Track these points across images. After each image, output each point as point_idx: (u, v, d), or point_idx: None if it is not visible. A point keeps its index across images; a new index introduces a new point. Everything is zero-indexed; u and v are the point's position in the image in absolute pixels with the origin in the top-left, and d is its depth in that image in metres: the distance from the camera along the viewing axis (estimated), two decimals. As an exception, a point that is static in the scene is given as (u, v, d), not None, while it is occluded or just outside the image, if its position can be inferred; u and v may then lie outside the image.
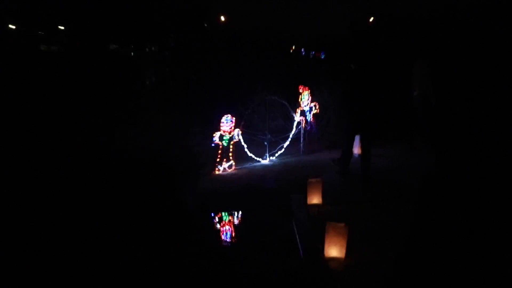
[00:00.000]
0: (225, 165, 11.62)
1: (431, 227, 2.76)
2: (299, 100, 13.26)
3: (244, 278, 6.44)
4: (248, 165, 12.14)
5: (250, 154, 12.23)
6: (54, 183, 8.38)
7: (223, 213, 9.31)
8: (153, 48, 17.18)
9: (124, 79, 11.62)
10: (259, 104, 13.20)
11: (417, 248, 2.72)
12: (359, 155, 10.36)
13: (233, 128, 11.67)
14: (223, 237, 8.17)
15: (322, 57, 18.81)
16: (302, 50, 19.00)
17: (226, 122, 11.55)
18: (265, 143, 12.72)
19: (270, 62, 15.73)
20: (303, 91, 13.28)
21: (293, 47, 18.99)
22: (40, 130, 9.24)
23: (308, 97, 13.39)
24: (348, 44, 15.05)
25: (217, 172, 11.48)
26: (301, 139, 13.33)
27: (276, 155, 12.81)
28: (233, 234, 8.36)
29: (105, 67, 11.40)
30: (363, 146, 10.09)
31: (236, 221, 9.09)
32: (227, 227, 8.73)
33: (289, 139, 13.08)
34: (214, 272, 6.69)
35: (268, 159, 12.57)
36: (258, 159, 12.39)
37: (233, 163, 11.76)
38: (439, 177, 2.74)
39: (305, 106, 13.34)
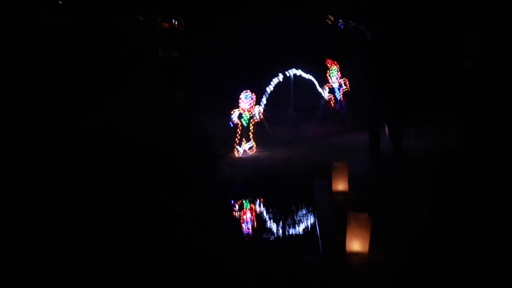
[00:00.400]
0: (246, 146, 11.32)
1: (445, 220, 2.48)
2: (327, 75, 12.85)
3: (258, 275, 6.15)
4: (271, 146, 11.81)
5: (273, 135, 11.90)
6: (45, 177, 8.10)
7: (239, 200, 9.05)
8: (169, 17, 16.81)
9: (134, 52, 11.31)
10: (284, 79, 12.80)
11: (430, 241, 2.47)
12: (390, 136, 10.00)
13: (253, 105, 11.32)
14: (237, 227, 7.94)
15: (362, 28, 18.02)
16: (340, 21, 18.27)
17: (246, 99, 11.21)
18: (290, 122, 12.36)
19: (297, 33, 15.24)
20: (331, 66, 12.87)
21: (331, 17, 18.25)
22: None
23: (337, 73, 12.96)
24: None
25: (236, 155, 11.19)
26: (330, 118, 12.93)
27: (302, 135, 12.42)
28: (248, 224, 8.14)
29: (113, 39, 11.10)
30: (389, 126, 9.74)
31: (252, 210, 8.88)
32: (242, 215, 8.54)
33: (317, 119, 12.69)
34: (226, 266, 6.43)
35: (292, 139, 12.22)
36: (281, 139, 12.05)
37: (254, 145, 11.46)
38: (459, 159, 2.49)
39: (333, 82, 12.92)
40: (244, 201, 9.07)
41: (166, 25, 15.84)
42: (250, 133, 11.36)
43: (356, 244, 6.15)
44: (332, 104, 12.97)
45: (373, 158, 9.70)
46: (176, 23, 17.18)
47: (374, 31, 9.19)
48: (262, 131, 11.69)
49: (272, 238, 7.37)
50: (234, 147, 11.20)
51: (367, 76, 9.39)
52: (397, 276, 2.53)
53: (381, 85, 9.17)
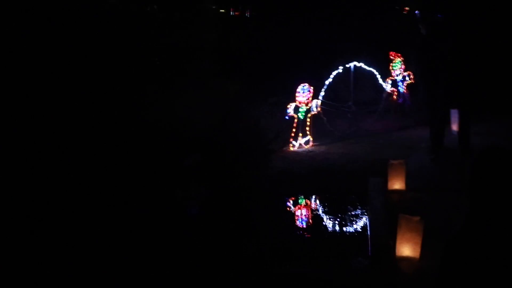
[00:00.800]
0: (301, 140, 11.03)
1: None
2: (390, 68, 12.37)
3: (300, 278, 5.89)
4: (329, 141, 11.48)
5: (331, 129, 11.56)
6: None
7: (291, 197, 8.81)
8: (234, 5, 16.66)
9: (189, 40, 11.16)
10: (345, 72, 12.40)
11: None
12: (457, 132, 9.59)
13: (310, 98, 11.00)
14: (284, 223, 7.71)
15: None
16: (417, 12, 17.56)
17: (303, 92, 10.90)
18: (349, 116, 11.98)
19: (361, 22, 14.77)
20: (395, 58, 12.38)
21: (407, 8, 17.59)
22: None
23: (401, 65, 12.47)
24: None
25: (291, 149, 10.92)
26: (392, 113, 12.47)
27: (362, 130, 12.01)
28: (296, 222, 7.93)
29: (167, 27, 10.96)
30: (459, 122, 9.35)
31: (302, 206, 8.65)
32: (291, 212, 8.29)
33: (378, 113, 12.25)
34: (269, 267, 6.21)
35: (351, 134, 11.83)
36: (340, 134, 11.69)
37: (311, 139, 11.16)
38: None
39: (397, 75, 12.43)
40: (294, 197, 8.83)
41: (236, 13, 15.70)
42: (306, 127, 11.07)
43: (406, 248, 5.83)
44: (395, 98, 12.49)
45: (433, 153, 9.29)
46: (238, 12, 17.05)
47: (429, 23, 8.86)
48: (319, 125, 11.37)
49: (319, 237, 7.12)
50: (290, 141, 10.93)
51: (424, 72, 9.09)
52: (438, 277, 2.50)
53: (439, 81, 8.82)
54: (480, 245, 2.39)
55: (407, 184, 8.14)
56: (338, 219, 7.69)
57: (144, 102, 9.26)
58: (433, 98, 9.12)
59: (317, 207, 8.73)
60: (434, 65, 8.86)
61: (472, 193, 2.47)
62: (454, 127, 10.21)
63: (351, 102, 12.13)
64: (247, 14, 17.24)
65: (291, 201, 8.76)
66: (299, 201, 8.81)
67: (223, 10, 16.41)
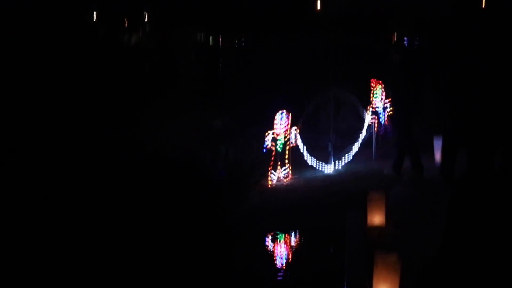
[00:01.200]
0: (280, 174, 10.70)
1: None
2: (371, 96, 12.16)
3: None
4: (309, 174, 11.20)
5: (310, 161, 11.26)
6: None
7: (267, 234, 8.53)
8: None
9: (169, 68, 11.12)
10: (326, 100, 12.16)
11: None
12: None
13: (288, 126, 10.65)
14: (259, 263, 7.45)
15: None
16: (405, 39, 17.65)
17: (281, 120, 10.55)
18: (329, 147, 11.71)
19: (345, 49, 14.69)
20: (375, 86, 12.16)
21: (395, 35, 17.67)
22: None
23: (382, 93, 12.26)
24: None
25: (270, 182, 10.57)
26: (373, 143, 12.22)
27: (343, 162, 11.73)
28: (273, 261, 7.64)
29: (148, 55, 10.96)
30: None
31: (279, 244, 8.40)
32: (268, 251, 8.10)
33: (359, 143, 11.99)
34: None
35: (332, 167, 11.54)
36: (320, 167, 11.39)
37: (290, 172, 10.83)
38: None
39: (378, 104, 12.21)
40: (270, 234, 8.53)
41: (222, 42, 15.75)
42: (285, 159, 10.75)
43: (383, 290, 5.47)
44: (376, 128, 12.25)
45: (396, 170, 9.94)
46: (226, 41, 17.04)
47: (400, 50, 9.01)
48: (298, 157, 11.08)
49: (293, 276, 6.90)
50: (268, 174, 10.58)
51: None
52: None
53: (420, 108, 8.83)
54: (456, 269, 2.67)
55: (388, 218, 7.84)
56: (314, 257, 7.45)
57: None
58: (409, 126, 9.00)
59: (292, 245, 8.50)
60: (413, 92, 8.84)
61: (449, 217, 2.71)
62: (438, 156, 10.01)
63: (331, 135, 11.87)
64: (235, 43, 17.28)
65: (267, 239, 8.46)
66: (275, 238, 8.54)
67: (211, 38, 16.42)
